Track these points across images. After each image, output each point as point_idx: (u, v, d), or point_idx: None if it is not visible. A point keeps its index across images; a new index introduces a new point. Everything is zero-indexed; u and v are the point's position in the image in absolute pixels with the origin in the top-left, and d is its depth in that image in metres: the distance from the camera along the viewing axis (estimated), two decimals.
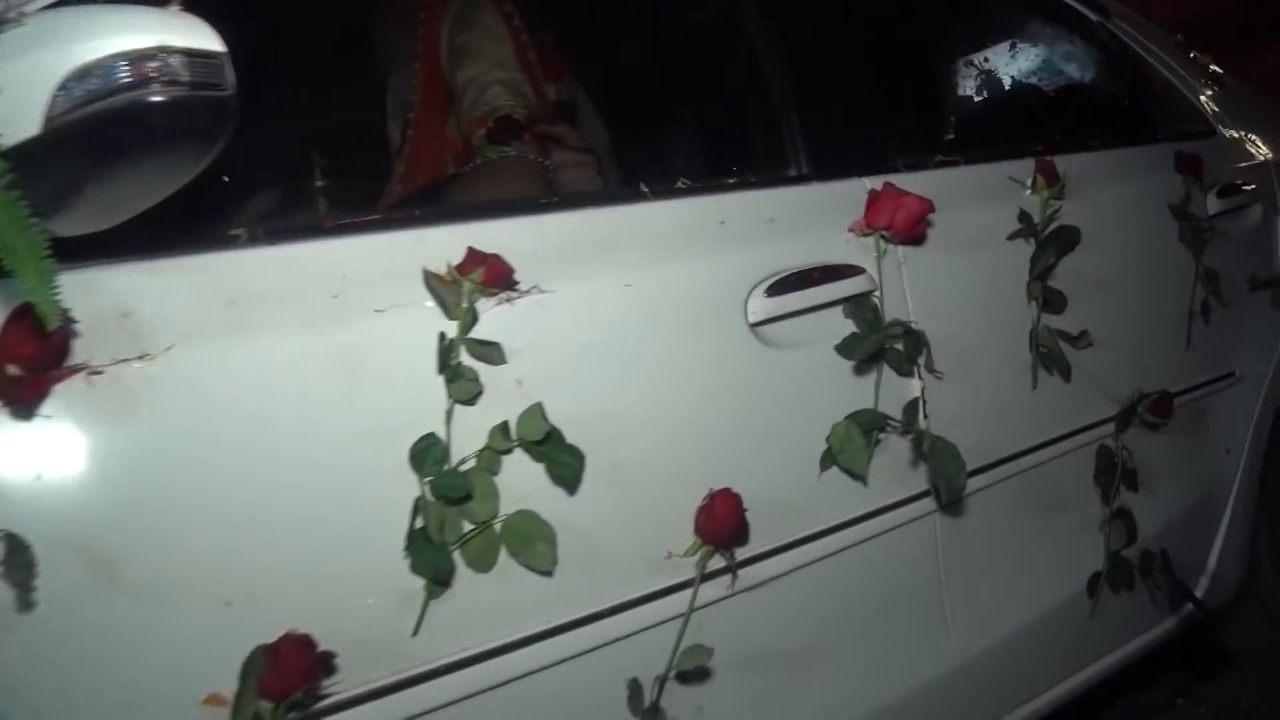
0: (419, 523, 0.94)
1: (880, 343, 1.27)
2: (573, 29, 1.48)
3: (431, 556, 0.93)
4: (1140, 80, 2.04)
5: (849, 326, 1.30)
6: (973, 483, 1.41)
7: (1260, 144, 2.16)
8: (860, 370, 1.30)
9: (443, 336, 0.97)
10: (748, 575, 1.17)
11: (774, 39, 1.44)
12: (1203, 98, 2.15)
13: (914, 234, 1.33)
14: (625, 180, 1.50)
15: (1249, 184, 2.01)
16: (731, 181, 1.33)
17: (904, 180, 1.45)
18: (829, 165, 1.41)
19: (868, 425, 1.26)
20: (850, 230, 1.33)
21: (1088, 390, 1.59)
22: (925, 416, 1.35)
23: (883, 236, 1.33)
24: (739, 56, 1.48)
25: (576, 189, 1.28)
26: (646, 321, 1.14)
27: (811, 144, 1.40)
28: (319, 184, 1.31)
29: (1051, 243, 1.53)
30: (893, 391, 1.32)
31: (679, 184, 1.28)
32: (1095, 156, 1.78)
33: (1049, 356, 1.50)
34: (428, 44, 1.31)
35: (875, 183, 1.41)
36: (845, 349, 1.25)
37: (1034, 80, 1.88)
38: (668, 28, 1.54)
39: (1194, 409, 1.79)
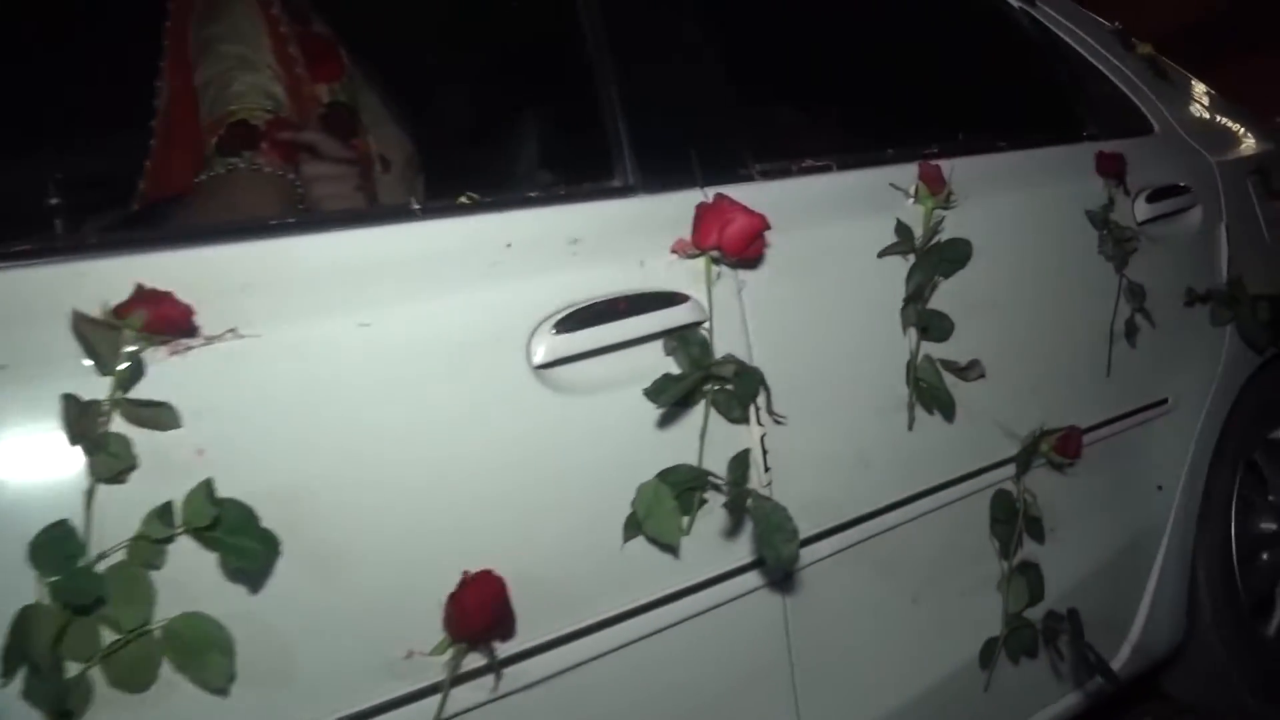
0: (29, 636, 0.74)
1: (695, 383, 1.07)
2: (363, 20, 1.28)
3: (39, 685, 0.73)
4: (1066, 72, 1.83)
5: (673, 366, 1.10)
6: (830, 544, 1.22)
7: (1206, 141, 1.95)
8: (678, 418, 1.10)
9: (70, 399, 0.77)
10: (517, 674, 0.96)
11: (602, 25, 1.24)
12: (1143, 91, 1.94)
13: (748, 254, 1.12)
14: (436, 196, 1.30)
15: (1188, 186, 1.80)
16: (532, 195, 1.13)
17: (759, 190, 1.27)
18: (662, 174, 1.21)
19: (684, 484, 1.06)
20: (674, 251, 1.13)
21: (981, 429, 1.38)
22: (767, 469, 1.15)
23: (713, 258, 1.13)
24: (563, 47, 1.27)
25: (331, 206, 1.09)
26: (387, 369, 0.93)
27: (642, 149, 1.20)
28: (53, 202, 1.12)
29: (934, 259, 1.33)
30: (733, 442, 1.12)
31: (463, 199, 1.09)
32: (1003, 158, 1.57)
33: (929, 392, 1.30)
34: (175, 38, 1.12)
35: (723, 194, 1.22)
36: (654, 392, 1.04)
37: (939, 73, 1.67)
38: (483, 18, 1.34)
39: (1116, 443, 1.59)
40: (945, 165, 1.42)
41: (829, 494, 1.21)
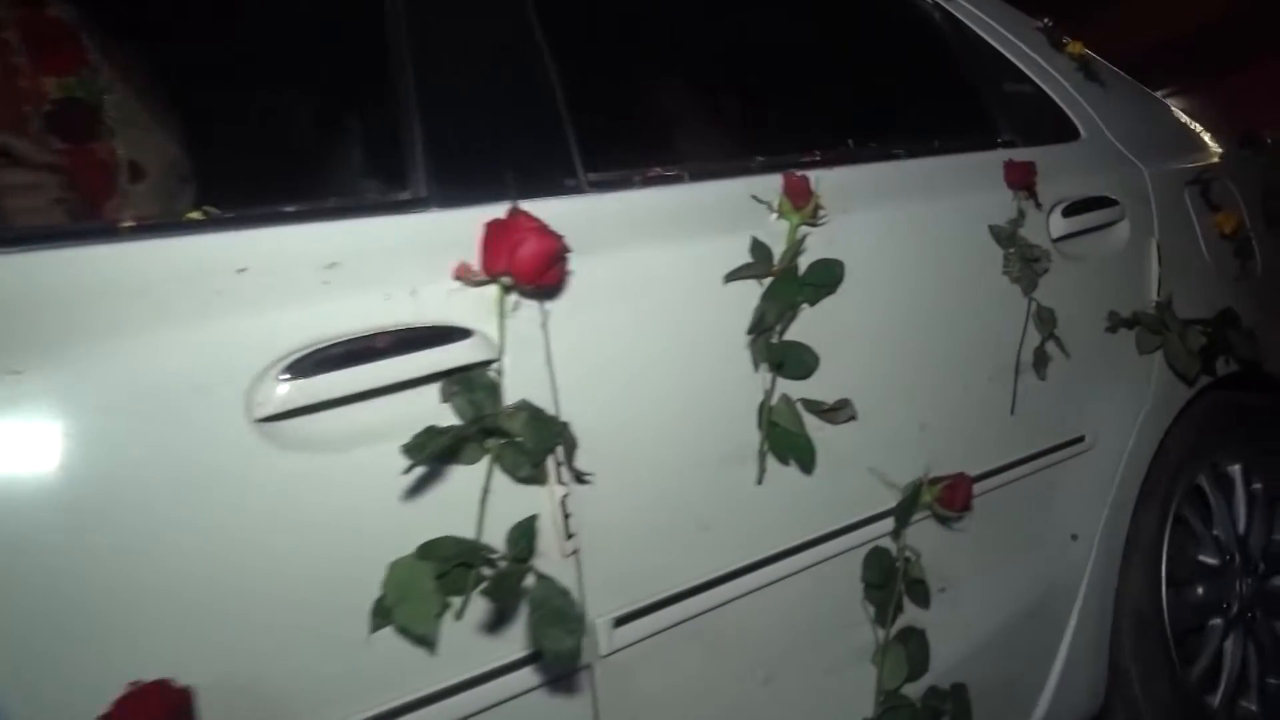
0: None
1: (467, 436, 0.89)
2: (126, 6, 1.10)
3: None
4: (981, 72, 1.65)
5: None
6: (653, 622, 1.04)
7: (1141, 149, 1.78)
8: (453, 480, 0.91)
9: None
10: None
11: (404, 13, 1.06)
12: (1070, 94, 1.76)
13: (543, 281, 0.94)
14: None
15: (1114, 199, 1.62)
16: (289, 210, 0.95)
17: (589, 204, 1.09)
18: (463, 184, 1.03)
19: (452, 559, 0.88)
20: (456, 278, 0.95)
21: (850, 479, 1.21)
22: (570, 536, 0.97)
23: (505, 285, 0.95)
24: (360, 38, 1.09)
25: (24, 221, 0.90)
26: (39, 425, 0.75)
27: (438, 154, 1.02)
28: None
29: (793, 284, 1.15)
30: (531, 506, 0.94)
31: (194, 214, 0.90)
32: (899, 167, 1.39)
33: (784, 439, 1.12)
34: None
35: (540, 208, 1.04)
36: (414, 448, 0.86)
37: (827, 72, 1.50)
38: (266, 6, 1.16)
39: (1023, 488, 1.41)
40: (827, 175, 1.26)
41: (653, 563, 1.03)
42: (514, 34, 1.12)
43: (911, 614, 1.25)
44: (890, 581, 1.22)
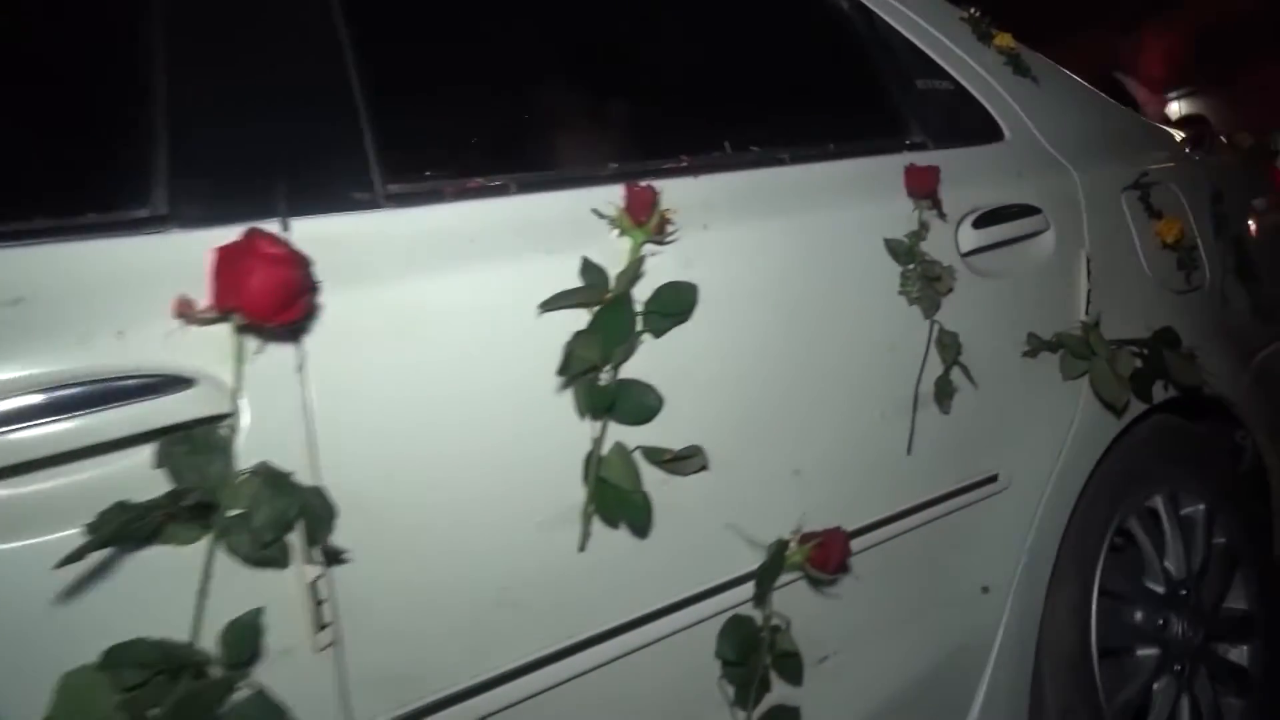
0: None
1: (164, 512, 0.72)
2: None
3: None
4: (891, 67, 1.48)
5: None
6: None
7: (1074, 151, 1.62)
8: (163, 565, 0.74)
9: None
10: None
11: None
12: (995, 91, 1.60)
13: (286, 319, 0.77)
14: None
15: (1038, 206, 1.46)
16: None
17: (386, 221, 0.93)
18: (216, 199, 0.86)
19: (150, 667, 0.71)
20: (178, 315, 0.78)
21: (703, 539, 1.04)
22: (323, 627, 0.80)
23: (238, 324, 0.78)
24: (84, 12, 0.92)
25: None
26: None
27: (187, 161, 0.85)
28: None
29: (623, 314, 0.98)
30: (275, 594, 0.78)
31: None
32: (776, 175, 1.23)
33: (612, 497, 0.95)
34: None
35: (320, 226, 0.88)
36: (93, 529, 0.69)
37: (703, 68, 1.33)
38: None
39: (922, 537, 1.24)
40: (692, 184, 1.10)
41: (438, 653, 0.86)
42: (296, 5, 0.95)
43: (782, 692, 1.08)
44: (752, 656, 1.05)
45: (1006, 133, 1.56)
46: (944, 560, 1.27)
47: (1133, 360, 1.43)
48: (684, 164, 1.15)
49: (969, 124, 1.54)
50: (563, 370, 0.92)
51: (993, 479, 1.32)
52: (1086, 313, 1.47)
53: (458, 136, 1.05)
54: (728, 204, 1.14)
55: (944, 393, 1.26)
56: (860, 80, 1.45)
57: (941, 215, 1.31)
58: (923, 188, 1.28)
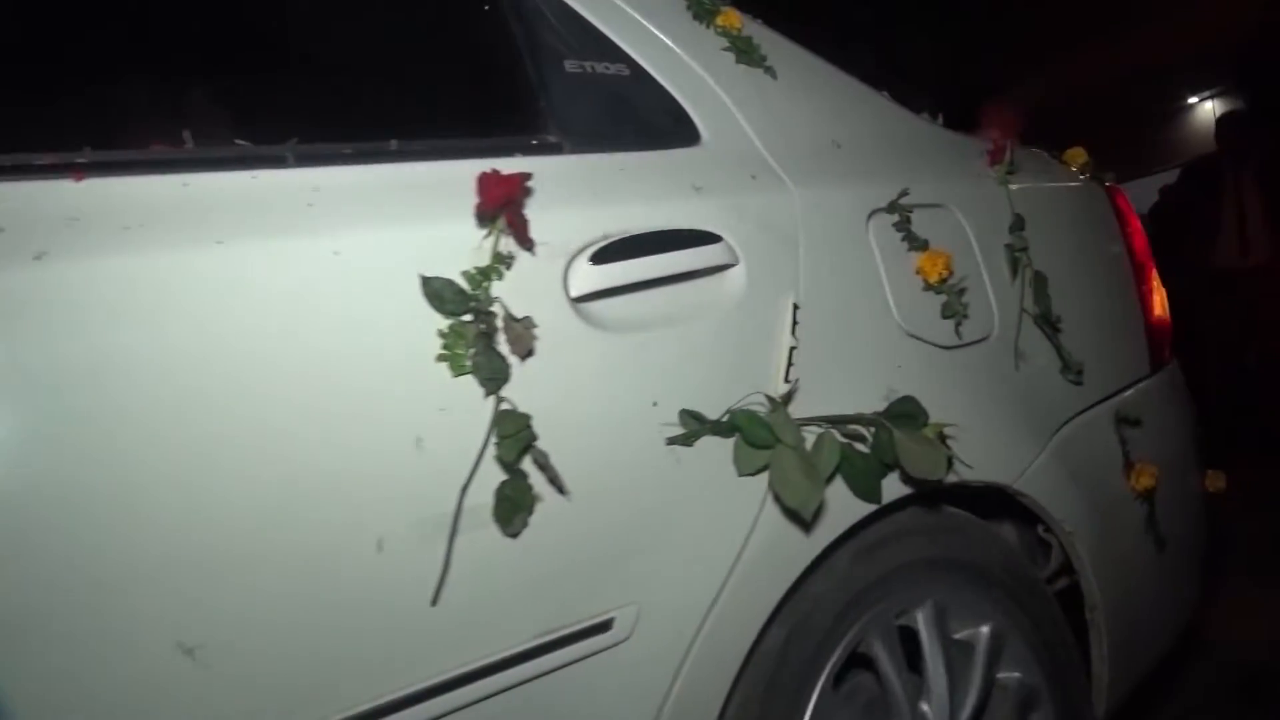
0: None
1: None
2: None
3: None
4: (529, 40, 1.09)
5: None
6: None
7: (812, 165, 1.23)
8: None
9: None
10: None
11: None
12: (702, 83, 1.21)
13: None
14: None
15: (716, 233, 1.06)
16: None
17: None
18: None
19: None
20: None
21: None
22: None
23: None
24: None
25: None
26: None
27: None
28: None
29: None
30: None
31: None
32: (264, 179, 0.82)
33: None
34: None
35: None
36: None
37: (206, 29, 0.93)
38: None
39: None
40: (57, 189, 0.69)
41: None
42: None
43: None
44: None
45: (705, 135, 1.17)
46: None
47: (836, 449, 1.03)
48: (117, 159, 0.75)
49: (647, 122, 1.15)
50: None
51: (605, 626, 0.91)
52: (788, 379, 1.07)
53: None
54: (140, 215, 0.73)
55: (512, 506, 0.85)
56: (463, 54, 1.05)
57: (525, 244, 0.90)
58: (494, 203, 0.88)
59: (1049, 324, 1.40)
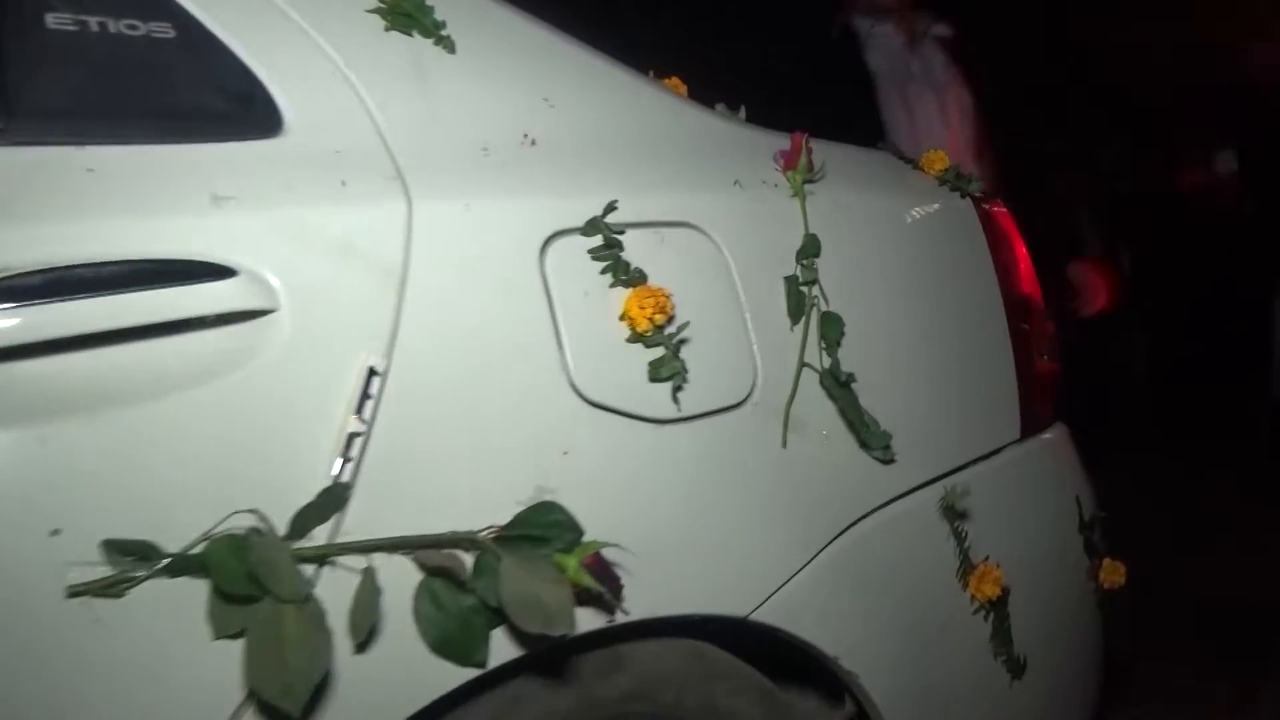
0: None
1: None
2: None
3: None
4: None
5: None
6: None
7: (455, 164, 0.88)
8: None
9: None
10: None
11: None
12: (317, 52, 0.87)
13: None
14: None
15: (231, 268, 0.72)
16: None
17: None
18: None
19: None
20: None
21: None
22: None
23: None
24: None
25: None
26: None
27: None
28: None
29: None
30: None
31: None
32: None
33: None
34: None
35: None
36: None
37: None
38: None
39: None
40: None
41: None
42: None
43: None
44: None
45: (292, 124, 0.82)
46: None
47: (377, 593, 0.67)
48: None
49: (184, 102, 0.80)
50: None
51: None
52: (342, 479, 0.71)
53: None
54: None
55: None
56: None
57: None
58: None
59: (837, 382, 1.03)
